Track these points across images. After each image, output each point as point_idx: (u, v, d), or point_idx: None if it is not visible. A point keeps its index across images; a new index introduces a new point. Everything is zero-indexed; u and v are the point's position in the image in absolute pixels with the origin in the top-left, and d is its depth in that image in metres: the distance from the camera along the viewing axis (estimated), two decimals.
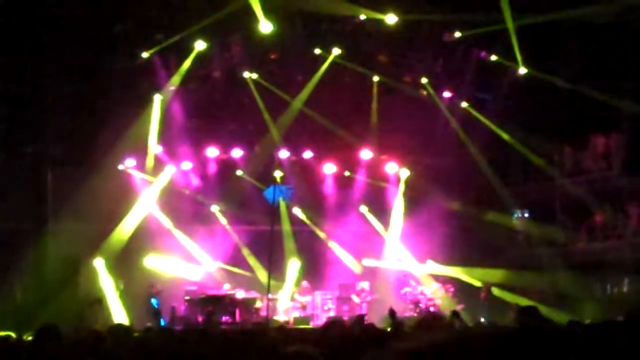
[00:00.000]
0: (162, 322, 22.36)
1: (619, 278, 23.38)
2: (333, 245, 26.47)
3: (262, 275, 24.93)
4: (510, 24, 22.36)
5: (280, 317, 23.82)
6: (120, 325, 11.21)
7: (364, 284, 24.94)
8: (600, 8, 20.73)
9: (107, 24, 23.25)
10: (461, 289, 24.82)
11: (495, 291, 24.30)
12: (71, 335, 9.47)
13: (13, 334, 11.29)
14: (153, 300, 23.49)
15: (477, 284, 24.79)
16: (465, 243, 25.51)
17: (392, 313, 16.02)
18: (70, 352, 7.00)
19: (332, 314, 24.21)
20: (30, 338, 9.29)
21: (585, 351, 1.85)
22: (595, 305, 22.00)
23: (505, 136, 25.48)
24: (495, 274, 24.84)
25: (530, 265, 24.90)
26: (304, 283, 25.00)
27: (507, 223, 26.37)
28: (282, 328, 14.32)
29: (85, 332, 9.98)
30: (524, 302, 21.23)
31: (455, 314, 13.62)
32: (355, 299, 24.61)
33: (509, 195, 26.19)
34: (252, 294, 24.14)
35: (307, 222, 26.77)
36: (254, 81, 25.35)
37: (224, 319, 22.68)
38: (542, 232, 25.49)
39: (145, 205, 25.30)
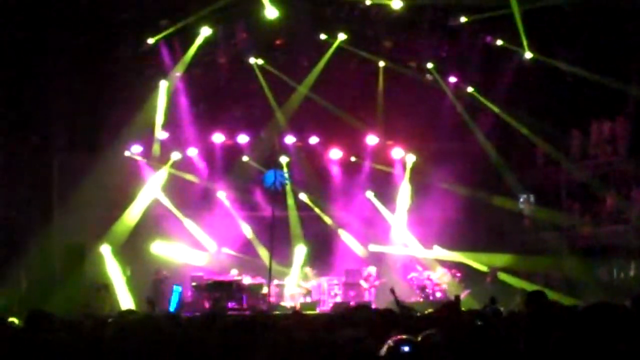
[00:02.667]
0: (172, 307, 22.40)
1: (625, 263, 23.35)
2: (339, 230, 26.48)
3: (268, 260, 25.02)
4: (515, 9, 22.32)
5: (287, 302, 23.86)
6: (127, 311, 11.27)
7: (371, 269, 24.94)
8: None
9: (113, 10, 23.25)
10: (467, 274, 24.83)
11: (501, 276, 24.31)
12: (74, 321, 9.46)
13: (17, 321, 11.33)
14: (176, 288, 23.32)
15: (483, 268, 24.79)
16: (472, 228, 25.46)
17: (392, 291, 15.77)
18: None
19: (338, 299, 24.25)
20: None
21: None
22: (601, 289, 21.98)
23: (511, 121, 25.44)
24: (501, 259, 24.84)
25: (536, 249, 24.91)
26: (307, 269, 25.01)
27: (513, 208, 26.35)
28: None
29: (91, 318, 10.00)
30: (529, 286, 21.21)
31: (456, 298, 13.54)
32: (363, 284, 24.60)
33: (515, 179, 26.17)
34: (259, 280, 24.19)
35: (314, 207, 26.76)
36: (260, 67, 25.35)
37: (231, 305, 22.71)
38: (548, 216, 25.47)
39: (152, 192, 25.35)
